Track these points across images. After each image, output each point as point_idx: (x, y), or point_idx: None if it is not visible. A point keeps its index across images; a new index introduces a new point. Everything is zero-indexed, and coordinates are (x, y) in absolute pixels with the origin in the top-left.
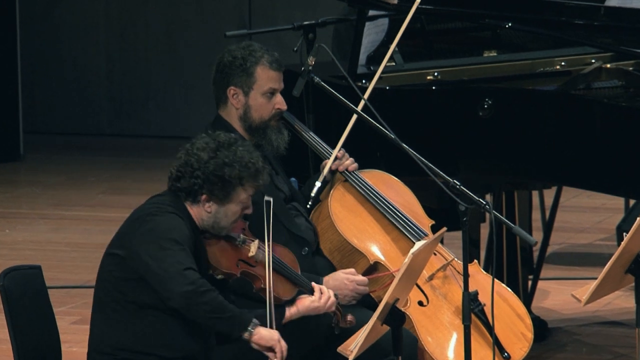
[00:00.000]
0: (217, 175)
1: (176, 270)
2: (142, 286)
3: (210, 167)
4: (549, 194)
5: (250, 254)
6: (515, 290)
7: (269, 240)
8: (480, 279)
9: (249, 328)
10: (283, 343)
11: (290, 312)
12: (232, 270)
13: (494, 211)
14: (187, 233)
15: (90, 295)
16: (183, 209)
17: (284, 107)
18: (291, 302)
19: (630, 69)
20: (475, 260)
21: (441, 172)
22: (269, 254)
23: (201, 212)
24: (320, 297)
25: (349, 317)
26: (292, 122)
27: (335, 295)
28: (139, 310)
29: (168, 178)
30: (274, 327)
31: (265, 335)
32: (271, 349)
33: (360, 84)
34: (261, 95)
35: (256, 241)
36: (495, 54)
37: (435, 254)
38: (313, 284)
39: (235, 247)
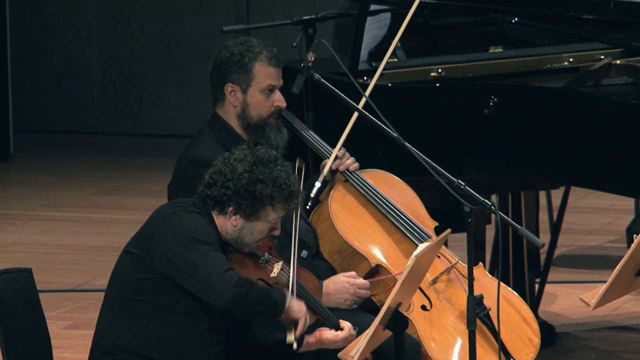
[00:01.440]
0: (249, 190)
1: (217, 274)
2: (162, 288)
3: (244, 181)
4: (557, 195)
5: (272, 274)
6: (522, 294)
7: (294, 255)
8: (486, 283)
9: (286, 303)
10: (308, 318)
11: (309, 341)
12: None
13: (499, 212)
14: (214, 233)
15: (83, 299)
16: (208, 215)
17: (283, 104)
18: (311, 331)
19: None
20: (481, 263)
21: (445, 172)
22: (293, 276)
23: (227, 224)
24: (343, 335)
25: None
26: (291, 120)
27: (355, 328)
28: (150, 312)
29: (200, 183)
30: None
31: (294, 306)
32: (294, 322)
33: (361, 80)
34: (259, 92)
35: (280, 262)
36: (501, 50)
37: (439, 257)
38: (341, 321)
39: (258, 264)
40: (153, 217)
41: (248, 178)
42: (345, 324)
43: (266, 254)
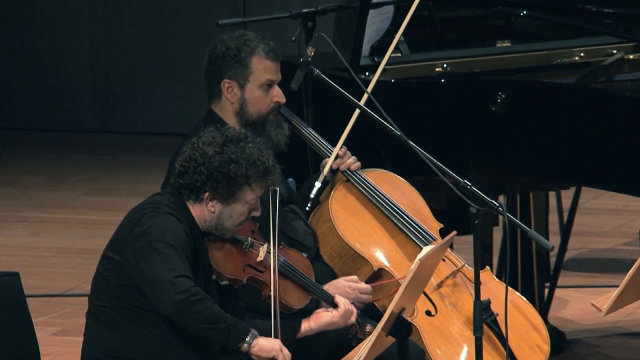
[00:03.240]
0: (222, 172)
1: (168, 278)
2: (140, 292)
3: (216, 163)
4: (567, 195)
5: (259, 258)
6: (531, 299)
7: (274, 235)
8: (493, 287)
9: (247, 339)
10: (286, 351)
11: (305, 327)
12: (238, 275)
13: (507, 214)
14: (184, 236)
15: (72, 304)
16: (183, 210)
17: (283, 99)
18: (307, 315)
19: None
20: (488, 267)
21: (450, 172)
22: (274, 255)
23: (204, 211)
24: (340, 312)
25: (368, 328)
26: (290, 117)
27: (354, 304)
28: (134, 316)
29: (172, 174)
30: (279, 336)
31: (265, 346)
32: None
33: (363, 76)
34: (258, 87)
35: (265, 245)
36: (509, 44)
37: (444, 260)
38: (336, 297)
39: (242, 250)
40: (126, 219)
41: (220, 159)
42: (340, 300)
43: (249, 238)
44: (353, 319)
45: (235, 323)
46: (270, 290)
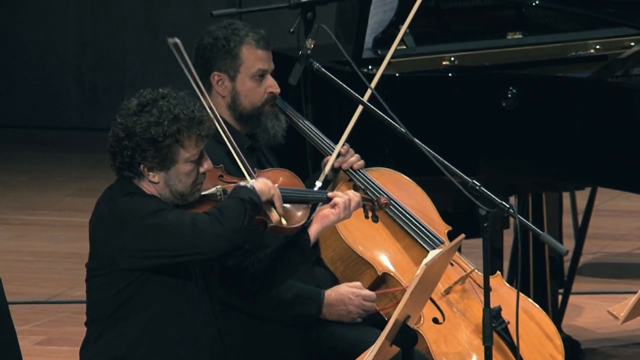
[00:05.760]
0: (145, 139)
1: (190, 230)
2: (144, 293)
3: (137, 130)
4: (582, 196)
5: None
6: (544, 306)
7: (244, 166)
8: (504, 293)
9: (251, 188)
10: (276, 187)
11: (312, 230)
12: None
13: (519, 216)
14: (153, 198)
15: (58, 311)
16: (138, 190)
17: (277, 89)
18: (309, 220)
19: None
20: (498, 272)
21: (458, 171)
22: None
23: (151, 185)
24: (341, 206)
25: (383, 200)
26: (285, 109)
27: (355, 188)
28: (138, 323)
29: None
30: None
31: (259, 186)
32: (269, 202)
33: (366, 70)
34: (250, 78)
35: (240, 183)
36: (520, 36)
37: (452, 265)
38: (329, 193)
39: (217, 203)
40: (93, 227)
41: (140, 127)
42: (335, 195)
43: (218, 186)
44: (359, 202)
45: (239, 194)
46: (266, 221)
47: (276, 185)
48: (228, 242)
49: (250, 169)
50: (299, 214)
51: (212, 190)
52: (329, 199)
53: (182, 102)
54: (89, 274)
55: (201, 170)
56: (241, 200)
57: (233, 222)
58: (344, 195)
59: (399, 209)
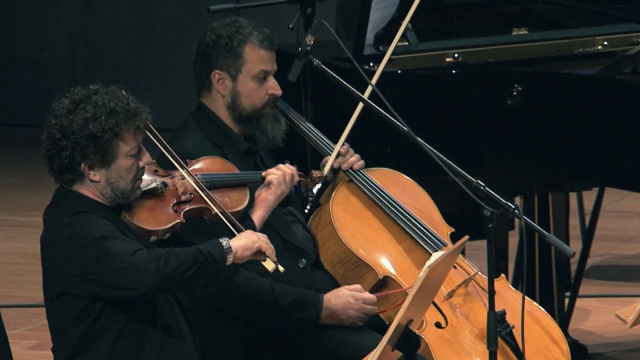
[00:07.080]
0: (84, 136)
1: (125, 263)
2: (104, 312)
3: (75, 128)
4: (589, 197)
5: (180, 191)
6: (550, 310)
7: (173, 158)
8: (509, 297)
9: (225, 248)
10: (262, 236)
11: (256, 216)
12: (174, 220)
13: (524, 217)
14: (105, 221)
15: None
16: (78, 201)
17: (279, 91)
18: (251, 205)
19: None
20: (503, 275)
21: (462, 171)
22: (189, 174)
23: (92, 186)
24: (276, 184)
25: (316, 174)
26: (287, 111)
27: (292, 164)
28: (109, 339)
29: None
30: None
31: (242, 243)
32: (259, 251)
33: (367, 67)
34: (251, 79)
35: (176, 174)
36: (526, 32)
37: (455, 267)
38: (263, 172)
39: (160, 196)
40: (43, 249)
41: (76, 123)
42: (269, 172)
43: (157, 180)
44: (295, 177)
45: (206, 247)
46: (211, 210)
47: (216, 172)
48: (157, 282)
49: (236, 222)
50: (238, 195)
51: (153, 185)
52: (264, 178)
53: (116, 96)
54: (45, 299)
55: (140, 164)
56: (199, 252)
57: (172, 266)
58: (277, 172)
59: (401, 210)
